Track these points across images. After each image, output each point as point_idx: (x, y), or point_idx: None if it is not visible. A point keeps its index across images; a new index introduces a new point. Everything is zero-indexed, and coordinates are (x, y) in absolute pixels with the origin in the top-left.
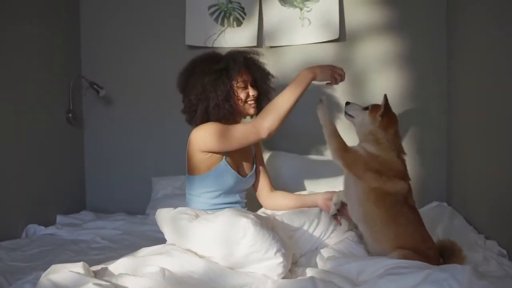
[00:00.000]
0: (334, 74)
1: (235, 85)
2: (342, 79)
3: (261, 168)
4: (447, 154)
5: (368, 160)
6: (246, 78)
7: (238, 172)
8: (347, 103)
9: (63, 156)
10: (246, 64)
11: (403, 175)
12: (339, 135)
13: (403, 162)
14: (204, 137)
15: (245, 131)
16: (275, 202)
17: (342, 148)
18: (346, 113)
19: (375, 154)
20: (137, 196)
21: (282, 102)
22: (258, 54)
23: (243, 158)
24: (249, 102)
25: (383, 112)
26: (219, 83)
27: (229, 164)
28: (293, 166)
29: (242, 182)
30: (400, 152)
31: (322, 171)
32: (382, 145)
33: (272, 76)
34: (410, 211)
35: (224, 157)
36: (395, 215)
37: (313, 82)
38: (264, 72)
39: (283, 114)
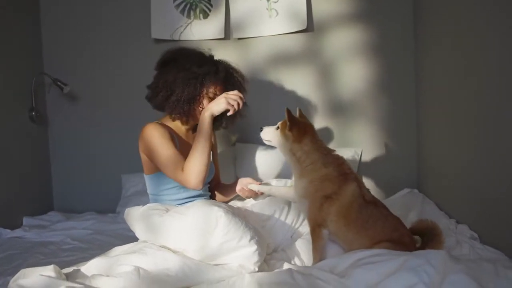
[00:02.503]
0: (229, 100)
1: (204, 92)
2: (239, 104)
3: (216, 166)
4: (417, 141)
5: (315, 196)
6: (218, 93)
7: None
8: (261, 129)
9: (28, 155)
10: (225, 80)
11: (345, 176)
12: (318, 250)
13: (335, 163)
14: (149, 146)
15: (176, 174)
16: (218, 195)
17: (320, 238)
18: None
19: (310, 182)
20: (107, 194)
21: (200, 154)
22: (243, 77)
23: None
24: None
25: (290, 126)
26: (191, 83)
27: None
28: (260, 156)
29: None
30: (326, 156)
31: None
32: (305, 164)
33: (247, 105)
34: (373, 208)
35: None
36: (362, 221)
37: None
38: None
39: (206, 162)
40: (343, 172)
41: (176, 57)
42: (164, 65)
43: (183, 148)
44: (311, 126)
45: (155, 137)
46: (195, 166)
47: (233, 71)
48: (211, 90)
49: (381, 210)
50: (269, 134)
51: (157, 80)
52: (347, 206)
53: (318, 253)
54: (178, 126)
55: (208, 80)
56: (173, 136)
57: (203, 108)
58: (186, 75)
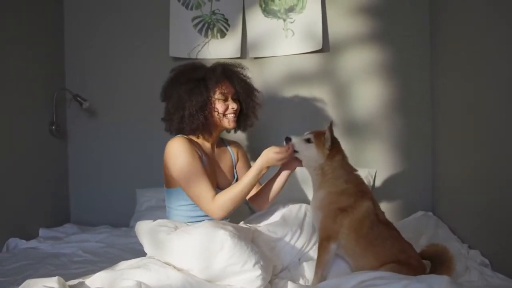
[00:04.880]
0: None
1: (212, 96)
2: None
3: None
4: (432, 163)
5: (330, 208)
6: (227, 91)
7: (217, 185)
8: (288, 139)
9: (47, 168)
10: (226, 76)
11: (362, 193)
12: (321, 265)
13: (355, 182)
14: (173, 163)
15: (201, 199)
16: (260, 200)
17: (326, 253)
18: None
19: (327, 194)
20: (122, 209)
21: (237, 195)
22: (243, 67)
23: (222, 170)
24: (228, 116)
25: (330, 146)
26: (195, 92)
27: None
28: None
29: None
30: (349, 174)
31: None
32: (328, 177)
33: (257, 91)
34: (384, 228)
35: None
36: (372, 238)
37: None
38: (247, 86)
39: (239, 202)
40: (361, 189)
41: (173, 79)
42: (165, 94)
43: (209, 164)
44: (339, 143)
45: (182, 155)
46: (227, 205)
47: (229, 65)
48: (218, 90)
49: (392, 231)
50: (299, 146)
51: (167, 107)
52: (359, 220)
53: (321, 268)
54: (203, 141)
55: (209, 81)
56: (200, 153)
57: (218, 113)
58: (187, 87)
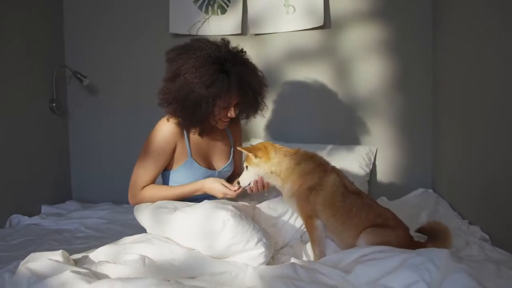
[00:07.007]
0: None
1: (216, 108)
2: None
3: (236, 162)
4: (433, 141)
5: (300, 191)
6: (232, 101)
7: (209, 167)
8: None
9: (48, 146)
10: (239, 93)
11: (323, 166)
12: (316, 242)
13: (305, 158)
14: (146, 142)
15: (135, 181)
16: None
17: (314, 229)
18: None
19: (292, 182)
20: (123, 185)
21: (165, 199)
22: (262, 80)
23: (216, 151)
24: (223, 120)
25: (254, 154)
26: (201, 106)
27: (196, 161)
28: None
29: (215, 177)
30: (295, 155)
31: None
32: (282, 174)
33: (265, 104)
34: (356, 198)
35: (189, 153)
36: (347, 211)
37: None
38: (255, 102)
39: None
40: (318, 163)
41: (184, 71)
42: (171, 78)
43: (199, 148)
44: (267, 143)
45: (155, 138)
46: (146, 200)
47: (247, 78)
48: (224, 102)
49: (364, 200)
50: (248, 177)
51: (168, 91)
52: (330, 195)
53: (317, 245)
54: None
55: (219, 101)
56: (186, 140)
57: (216, 119)
58: (195, 98)
